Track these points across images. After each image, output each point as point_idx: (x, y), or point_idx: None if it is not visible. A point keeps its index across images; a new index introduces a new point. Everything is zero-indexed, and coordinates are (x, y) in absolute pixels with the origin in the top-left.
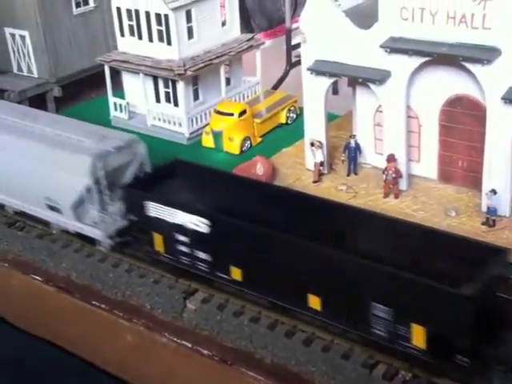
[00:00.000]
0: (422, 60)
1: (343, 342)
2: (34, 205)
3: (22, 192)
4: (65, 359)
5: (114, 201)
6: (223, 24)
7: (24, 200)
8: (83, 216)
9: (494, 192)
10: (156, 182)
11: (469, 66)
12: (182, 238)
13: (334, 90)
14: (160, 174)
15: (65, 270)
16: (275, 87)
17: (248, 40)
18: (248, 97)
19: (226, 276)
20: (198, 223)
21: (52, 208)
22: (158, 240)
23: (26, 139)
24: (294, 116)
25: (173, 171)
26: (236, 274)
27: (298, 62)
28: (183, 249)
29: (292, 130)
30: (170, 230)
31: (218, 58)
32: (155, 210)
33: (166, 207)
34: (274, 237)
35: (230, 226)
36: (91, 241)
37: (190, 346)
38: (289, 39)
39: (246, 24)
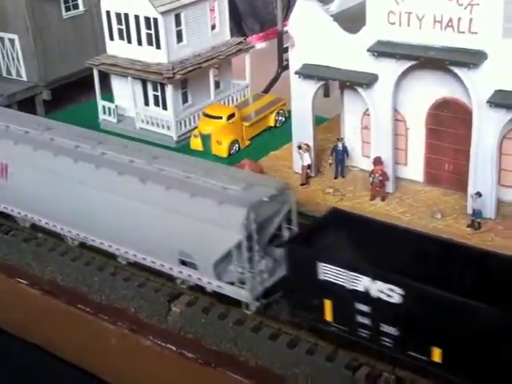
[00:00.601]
0: (409, 64)
1: (327, 344)
2: (160, 257)
3: (143, 243)
4: (51, 362)
5: (262, 257)
6: (213, 27)
7: (146, 251)
8: (224, 273)
9: (479, 195)
10: (318, 237)
11: (455, 69)
12: (362, 307)
13: (326, 92)
14: (320, 227)
15: (50, 274)
16: (266, 90)
17: (237, 43)
18: (237, 100)
19: (422, 357)
20: (388, 291)
21: (184, 263)
22: (329, 308)
23: (148, 182)
24: (283, 119)
25: (332, 223)
26: (436, 354)
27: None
28: (363, 320)
29: (280, 133)
30: (347, 297)
31: (207, 61)
32: (329, 273)
33: (346, 271)
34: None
35: (429, 297)
36: (231, 301)
37: (174, 349)
38: (280, 42)
39: (238, 27)
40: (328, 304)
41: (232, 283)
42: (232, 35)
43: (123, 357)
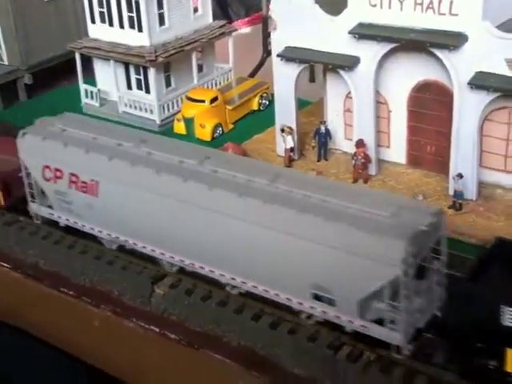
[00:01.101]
0: (391, 46)
1: (309, 324)
2: (287, 290)
3: (265, 273)
4: (34, 346)
5: (417, 293)
6: (195, 10)
7: (267, 282)
8: (367, 311)
9: (460, 176)
10: (493, 275)
11: (436, 51)
12: None
13: (311, 77)
14: (488, 261)
15: (33, 257)
16: (252, 74)
17: (220, 27)
18: (220, 83)
19: None
20: None
21: (318, 298)
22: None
23: (274, 205)
24: (267, 102)
25: (500, 256)
26: None
27: None
28: None
29: (264, 117)
30: None
31: (189, 44)
32: None
33: None
34: None
35: None
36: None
37: (157, 330)
38: (265, 27)
39: (224, 12)
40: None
41: (378, 322)
42: (218, 20)
43: (107, 339)
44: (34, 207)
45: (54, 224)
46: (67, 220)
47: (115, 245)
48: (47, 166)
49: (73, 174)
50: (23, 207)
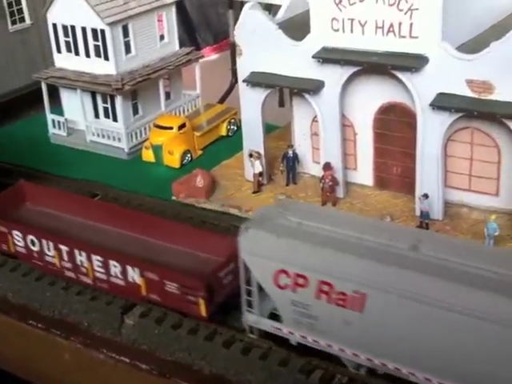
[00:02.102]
0: (354, 69)
1: (280, 349)
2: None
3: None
4: (5, 380)
5: None
6: (161, 38)
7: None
8: None
9: (426, 196)
10: None
11: (398, 74)
12: None
13: (280, 102)
14: None
15: (1, 290)
16: (222, 100)
17: (187, 54)
18: (188, 110)
19: None
20: None
21: None
22: None
23: None
24: (235, 128)
25: None
26: None
27: None
28: None
29: (233, 142)
30: None
31: (156, 72)
32: None
33: None
34: None
35: None
36: None
37: (128, 361)
38: (233, 53)
39: (192, 38)
40: None
41: None
42: (186, 47)
43: (78, 372)
44: (250, 318)
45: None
46: (303, 338)
47: (363, 368)
48: (283, 271)
49: (325, 283)
50: (222, 317)
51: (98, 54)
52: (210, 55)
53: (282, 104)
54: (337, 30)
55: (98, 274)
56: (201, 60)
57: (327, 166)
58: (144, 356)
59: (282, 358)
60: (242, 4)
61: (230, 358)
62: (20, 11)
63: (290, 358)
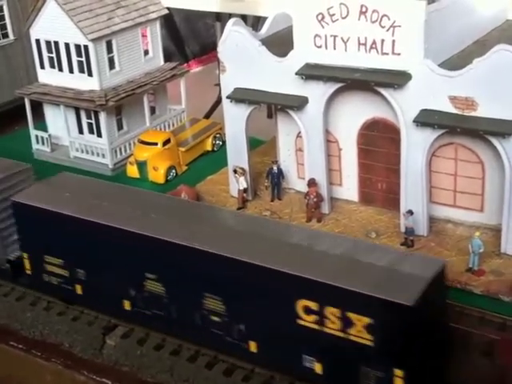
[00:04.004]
0: (337, 86)
1: (264, 370)
2: None
3: None
4: None
5: None
6: (146, 53)
7: None
8: None
9: (410, 213)
10: None
11: (381, 90)
12: None
13: (269, 113)
14: None
15: None
16: (208, 114)
17: (172, 69)
18: (174, 125)
19: None
20: None
21: None
22: None
23: None
24: (220, 143)
25: None
26: None
27: None
28: None
29: (218, 158)
30: None
31: (140, 87)
32: None
33: None
34: None
35: None
36: None
37: (110, 383)
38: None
39: (181, 51)
40: None
41: None
42: (174, 59)
43: None
44: None
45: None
46: None
47: None
48: None
49: None
50: None
51: (81, 70)
52: (199, 67)
53: (270, 116)
54: (320, 47)
55: None
56: (190, 71)
57: (312, 182)
58: (126, 377)
59: (265, 380)
60: (230, 16)
61: (212, 380)
62: (3, 27)
63: (274, 380)
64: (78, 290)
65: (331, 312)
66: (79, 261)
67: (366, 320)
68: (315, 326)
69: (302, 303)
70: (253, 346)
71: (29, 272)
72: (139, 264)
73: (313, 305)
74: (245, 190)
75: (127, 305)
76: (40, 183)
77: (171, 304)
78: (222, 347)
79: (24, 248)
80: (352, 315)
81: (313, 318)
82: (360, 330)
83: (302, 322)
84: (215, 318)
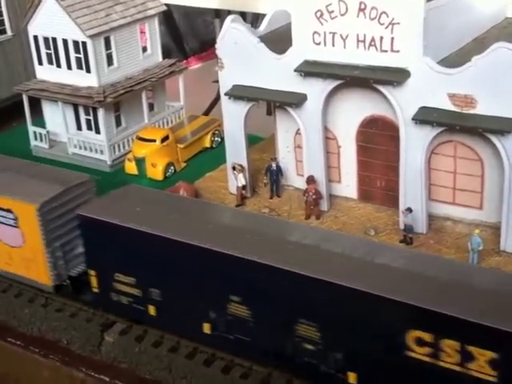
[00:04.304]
0: (336, 83)
1: (261, 368)
2: None
3: None
4: None
5: None
6: (144, 49)
7: None
8: None
9: (409, 210)
10: None
11: (380, 88)
12: None
13: (268, 110)
14: None
15: None
16: (207, 111)
17: (170, 65)
18: (172, 122)
19: None
20: None
21: None
22: None
23: None
24: (219, 140)
25: None
26: None
27: None
28: None
29: (216, 154)
30: None
31: (139, 84)
32: None
33: None
34: None
35: None
36: None
37: (108, 379)
38: None
39: (180, 47)
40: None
41: None
42: (173, 56)
43: None
44: None
45: None
46: None
47: None
48: None
49: None
50: None
51: (79, 67)
52: (198, 63)
53: (269, 112)
54: (318, 44)
55: None
56: (188, 68)
57: (310, 180)
58: (124, 374)
59: (263, 377)
60: (229, 13)
61: (210, 377)
62: (1, 23)
63: (271, 377)
64: (151, 311)
65: (448, 345)
66: (154, 280)
67: (490, 354)
68: (428, 359)
69: (414, 334)
70: (352, 378)
71: (95, 290)
72: (222, 285)
73: (427, 336)
74: (243, 187)
75: (207, 328)
76: (107, 196)
77: (258, 329)
78: (316, 377)
79: (91, 264)
80: (473, 349)
81: (426, 350)
82: (482, 364)
83: (411, 354)
84: (308, 346)
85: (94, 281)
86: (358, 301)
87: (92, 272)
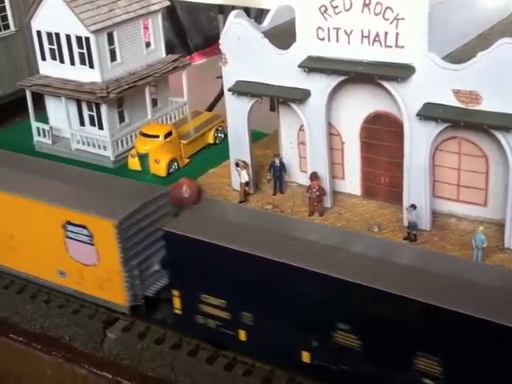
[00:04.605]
0: (340, 79)
1: (264, 365)
2: None
3: None
4: None
5: None
6: (147, 45)
7: None
8: None
9: (413, 207)
10: None
11: (385, 83)
12: None
13: (272, 106)
14: None
15: None
16: (211, 107)
17: (173, 61)
18: (175, 117)
19: None
20: None
21: None
22: None
23: None
24: (222, 136)
25: None
26: None
27: None
28: None
29: (220, 150)
30: None
31: (142, 79)
32: None
33: None
34: None
35: None
36: None
37: (110, 376)
38: None
39: (183, 43)
40: None
41: None
42: (177, 51)
43: None
44: None
45: None
46: None
47: None
48: None
49: None
50: None
51: (82, 62)
52: (202, 59)
53: (273, 108)
54: (322, 39)
55: None
56: (192, 63)
57: (314, 176)
58: (126, 371)
59: (266, 375)
60: (233, 8)
61: (213, 374)
62: (4, 18)
63: (274, 375)
64: (242, 335)
65: None
66: (246, 303)
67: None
68: None
69: None
70: None
71: (178, 312)
72: (328, 311)
73: None
74: (247, 184)
75: (306, 357)
76: (191, 210)
77: (368, 361)
78: None
79: (175, 284)
80: None
81: None
82: None
83: None
84: (428, 381)
85: (176, 302)
86: (497, 336)
87: (175, 292)
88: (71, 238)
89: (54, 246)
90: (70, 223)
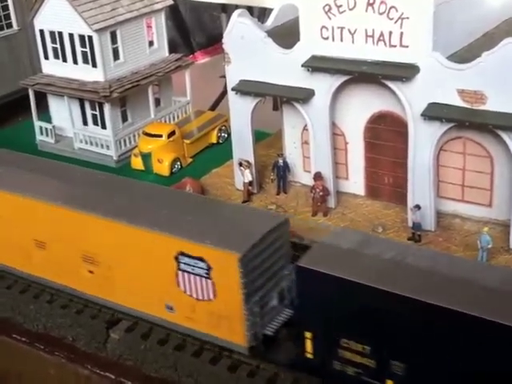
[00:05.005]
0: (344, 78)
1: (268, 366)
2: None
3: None
4: None
5: None
6: (151, 44)
7: None
8: None
9: (418, 207)
10: None
11: (389, 83)
12: None
13: (275, 105)
14: None
15: None
16: (214, 106)
17: (176, 60)
18: (179, 117)
19: None
20: None
21: None
22: None
23: None
24: (226, 135)
25: None
26: None
27: None
28: None
29: (223, 150)
30: None
31: (145, 78)
32: None
33: None
34: None
35: None
36: None
37: (113, 377)
38: None
39: (186, 42)
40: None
41: None
42: (180, 50)
43: None
44: None
45: None
46: None
47: None
48: None
49: None
50: None
51: (85, 61)
52: (205, 58)
53: (276, 108)
54: (326, 39)
55: None
56: (195, 63)
57: (317, 176)
58: (129, 372)
59: (270, 376)
60: (237, 7)
61: (217, 375)
62: (7, 17)
63: (278, 376)
64: None
65: None
66: (395, 349)
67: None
68: None
69: None
70: None
71: (309, 356)
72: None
73: None
74: (250, 183)
75: None
76: (323, 242)
77: None
78: None
79: (308, 326)
80: None
81: None
82: None
83: None
84: None
85: (308, 345)
86: None
87: (308, 334)
88: (184, 271)
89: (163, 278)
90: (183, 254)
